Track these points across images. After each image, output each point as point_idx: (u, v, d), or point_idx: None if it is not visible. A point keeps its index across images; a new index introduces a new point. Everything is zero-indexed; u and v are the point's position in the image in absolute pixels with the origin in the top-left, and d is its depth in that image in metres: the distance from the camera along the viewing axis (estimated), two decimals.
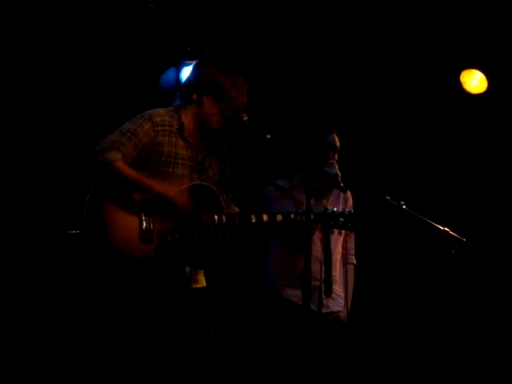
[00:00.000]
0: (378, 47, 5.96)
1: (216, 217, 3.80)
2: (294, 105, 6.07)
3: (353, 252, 4.85)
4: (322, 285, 4.54)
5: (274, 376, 4.52)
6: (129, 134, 3.74)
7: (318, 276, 4.52)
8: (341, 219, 4.16)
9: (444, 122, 6.35)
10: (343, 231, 4.68)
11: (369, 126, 6.36)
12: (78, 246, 3.71)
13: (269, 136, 3.89)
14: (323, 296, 4.53)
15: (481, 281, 6.22)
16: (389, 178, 5.97)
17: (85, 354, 5.23)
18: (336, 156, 4.70)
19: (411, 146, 6.46)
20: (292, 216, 4.06)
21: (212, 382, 3.80)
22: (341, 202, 4.76)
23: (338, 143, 4.71)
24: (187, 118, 3.91)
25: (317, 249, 4.60)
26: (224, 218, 3.82)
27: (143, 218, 3.68)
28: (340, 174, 4.53)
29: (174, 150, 3.84)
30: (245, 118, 3.93)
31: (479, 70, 5.96)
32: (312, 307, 4.42)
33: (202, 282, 3.93)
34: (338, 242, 4.70)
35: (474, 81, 6.01)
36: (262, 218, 3.95)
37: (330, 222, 4.17)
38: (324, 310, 4.53)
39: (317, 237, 4.61)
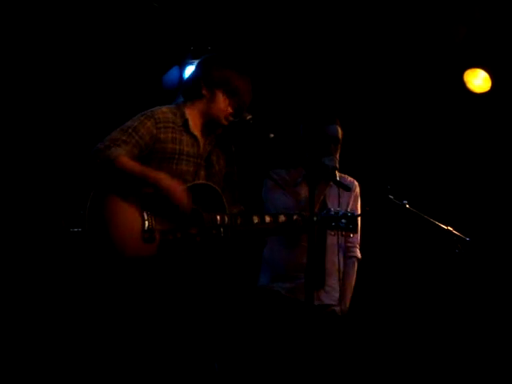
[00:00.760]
0: (382, 46, 5.95)
1: (218, 217, 3.80)
2: (298, 103, 6.07)
3: (356, 245, 4.76)
4: (315, 277, 4.49)
5: (265, 370, 4.49)
6: (130, 131, 3.74)
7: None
8: (343, 221, 4.13)
9: (447, 121, 6.35)
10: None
11: (372, 124, 6.35)
12: (79, 243, 3.71)
13: (272, 135, 3.89)
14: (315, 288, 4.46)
15: (484, 280, 6.21)
16: (392, 177, 5.97)
17: (86, 352, 5.23)
18: (338, 147, 4.64)
19: (414, 145, 6.45)
20: (295, 217, 4.05)
21: (214, 378, 3.80)
22: (337, 199, 4.68)
23: (340, 135, 4.65)
24: (192, 115, 3.92)
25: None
26: (226, 219, 3.82)
27: (146, 218, 3.68)
28: (338, 167, 4.49)
29: (178, 146, 3.84)
30: (248, 117, 3.94)
31: (483, 69, 5.95)
32: (302, 299, 4.35)
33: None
34: (336, 234, 4.65)
35: (478, 80, 6.00)
36: (265, 219, 3.95)
37: (331, 224, 4.15)
38: (316, 303, 4.44)
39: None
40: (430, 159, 6.44)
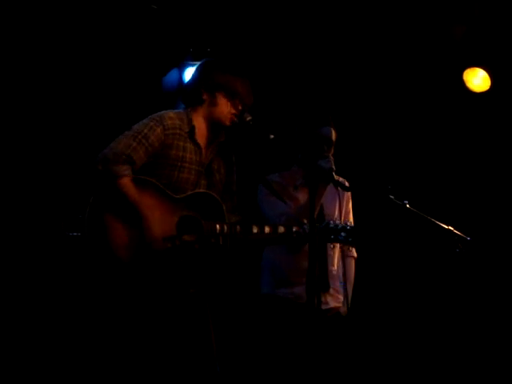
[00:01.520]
0: (380, 45, 5.95)
1: (218, 226, 3.79)
2: (296, 104, 6.07)
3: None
4: (319, 281, 4.48)
5: (276, 375, 4.50)
6: (140, 137, 3.74)
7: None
8: (342, 234, 4.11)
9: (447, 121, 6.35)
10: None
11: (371, 124, 6.35)
12: (78, 248, 3.71)
13: (272, 136, 3.89)
14: (321, 292, 4.49)
15: (485, 279, 6.21)
16: (392, 177, 5.97)
17: (84, 356, 5.23)
18: (331, 150, 4.62)
19: (414, 145, 6.45)
20: (294, 229, 4.02)
21: (216, 381, 3.80)
22: (337, 200, 4.69)
23: (334, 137, 4.62)
24: (198, 121, 3.92)
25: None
26: (225, 228, 3.81)
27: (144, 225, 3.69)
28: (335, 168, 4.48)
29: (181, 153, 3.84)
30: (248, 119, 3.94)
31: (482, 68, 5.96)
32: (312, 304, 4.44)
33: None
34: None
35: (477, 79, 6.00)
36: (264, 229, 3.94)
37: (330, 237, 4.12)
38: (324, 307, 4.47)
39: None
40: (430, 159, 6.44)
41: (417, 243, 6.16)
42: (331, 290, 4.58)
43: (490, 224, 6.22)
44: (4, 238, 5.23)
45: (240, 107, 3.91)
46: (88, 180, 3.72)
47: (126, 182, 3.67)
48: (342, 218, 4.71)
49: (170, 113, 3.89)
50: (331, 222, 4.16)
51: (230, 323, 5.69)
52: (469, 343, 6.14)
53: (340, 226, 4.12)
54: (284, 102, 6.06)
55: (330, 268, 4.56)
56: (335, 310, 4.61)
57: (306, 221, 3.99)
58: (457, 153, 6.41)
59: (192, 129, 3.88)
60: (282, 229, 3.99)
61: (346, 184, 4.76)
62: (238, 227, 3.85)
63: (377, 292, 6.21)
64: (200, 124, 3.92)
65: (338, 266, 4.63)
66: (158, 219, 3.69)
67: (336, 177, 4.56)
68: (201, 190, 3.85)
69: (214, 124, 3.94)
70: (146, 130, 3.76)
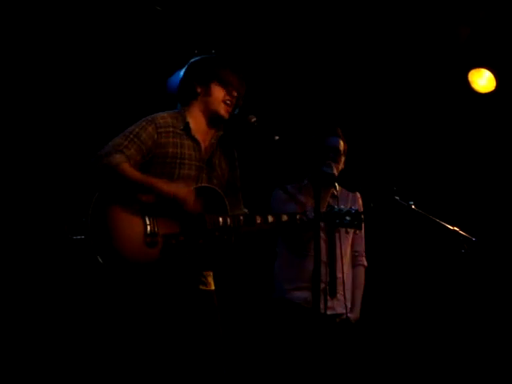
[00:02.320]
0: (386, 47, 5.95)
1: (221, 219, 3.80)
2: (302, 106, 6.07)
3: (363, 253, 4.84)
4: (327, 286, 4.53)
5: (282, 378, 4.51)
6: (131, 137, 3.76)
7: (323, 278, 4.51)
8: (347, 218, 4.16)
9: (452, 122, 6.34)
10: (350, 231, 4.70)
11: (377, 126, 6.35)
12: (82, 250, 3.71)
13: (277, 137, 3.90)
14: (328, 298, 4.53)
15: (490, 280, 6.20)
16: (398, 179, 5.97)
17: (91, 358, 5.23)
18: (340, 159, 4.70)
19: (420, 146, 6.45)
20: (298, 216, 4.07)
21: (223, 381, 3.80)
22: (349, 202, 4.76)
23: (341, 146, 4.71)
24: (192, 117, 3.94)
25: (321, 250, 4.60)
26: (229, 220, 3.82)
27: (148, 222, 3.68)
28: (337, 175, 4.56)
29: (179, 150, 3.85)
30: (253, 120, 3.95)
31: (487, 69, 5.95)
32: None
33: (211, 284, 3.93)
34: (344, 243, 4.68)
35: (482, 80, 5.99)
36: (267, 219, 3.96)
37: (335, 221, 4.18)
38: (329, 312, 4.52)
39: (321, 238, 4.61)
40: (435, 160, 6.43)
41: (422, 244, 6.16)
42: (338, 296, 4.59)
43: (495, 225, 6.21)
44: (8, 242, 5.23)
45: (234, 94, 3.93)
46: (88, 181, 3.73)
47: (127, 167, 3.68)
48: None
49: (163, 113, 3.93)
50: (335, 206, 4.22)
51: (241, 326, 5.71)
52: (475, 343, 6.12)
53: (344, 210, 4.18)
54: (289, 104, 6.06)
55: (338, 275, 4.58)
56: (343, 316, 4.63)
57: (309, 209, 4.05)
58: (462, 153, 6.41)
59: (186, 125, 3.90)
60: (285, 217, 4.03)
61: (358, 195, 4.84)
62: (241, 218, 3.87)
63: (383, 293, 6.21)
64: (197, 119, 3.94)
65: (346, 274, 4.65)
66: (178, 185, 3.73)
67: (344, 189, 4.66)
68: (202, 185, 3.85)
69: (211, 116, 3.95)
70: (137, 129, 3.79)
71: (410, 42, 5.89)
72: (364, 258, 4.84)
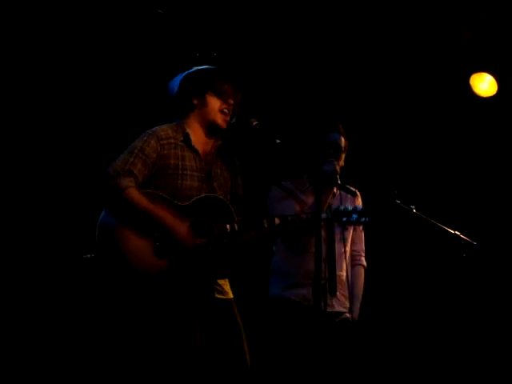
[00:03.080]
0: (388, 51, 5.95)
1: (228, 226, 3.83)
2: (305, 110, 6.07)
3: (362, 253, 4.82)
4: (327, 284, 4.51)
5: (282, 377, 4.50)
6: (136, 152, 3.81)
7: (322, 275, 4.48)
8: (354, 215, 4.17)
9: (454, 126, 6.34)
10: (350, 228, 4.68)
11: (379, 129, 6.35)
12: (94, 268, 3.75)
13: (278, 141, 3.90)
14: (328, 295, 4.49)
15: (492, 284, 6.19)
16: (399, 182, 5.97)
17: (102, 372, 5.22)
18: (340, 155, 4.67)
19: (421, 150, 6.44)
20: (304, 216, 4.10)
21: None
22: (349, 200, 4.73)
23: (342, 143, 4.68)
24: (191, 128, 3.97)
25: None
26: (236, 226, 3.85)
27: (156, 235, 3.73)
28: (339, 172, 4.53)
29: (180, 162, 3.88)
30: (254, 123, 3.95)
31: (489, 73, 5.95)
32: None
33: (228, 293, 3.95)
34: (344, 241, 4.67)
35: (484, 84, 5.99)
36: (274, 222, 3.98)
37: (342, 219, 4.19)
38: (329, 310, 4.46)
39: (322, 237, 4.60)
40: (436, 163, 6.43)
41: (424, 248, 6.15)
42: (338, 295, 4.58)
43: (496, 229, 6.21)
44: (18, 263, 5.25)
45: (230, 102, 3.96)
46: (96, 200, 3.78)
47: (134, 192, 3.72)
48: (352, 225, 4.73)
49: (163, 126, 3.97)
50: (341, 205, 4.24)
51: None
52: (476, 347, 6.12)
53: (351, 208, 4.21)
54: (290, 107, 6.06)
55: (338, 273, 4.57)
56: (343, 315, 4.61)
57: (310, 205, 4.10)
58: (463, 158, 6.41)
59: (186, 136, 3.93)
60: (289, 218, 4.07)
61: (357, 193, 4.79)
62: (248, 224, 3.90)
63: (384, 297, 6.20)
64: (195, 130, 3.97)
65: (346, 272, 4.63)
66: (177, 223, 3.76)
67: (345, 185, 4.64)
68: (205, 194, 3.88)
69: (209, 126, 3.97)
70: (140, 144, 3.84)
71: (411, 45, 5.89)
72: (363, 258, 4.81)
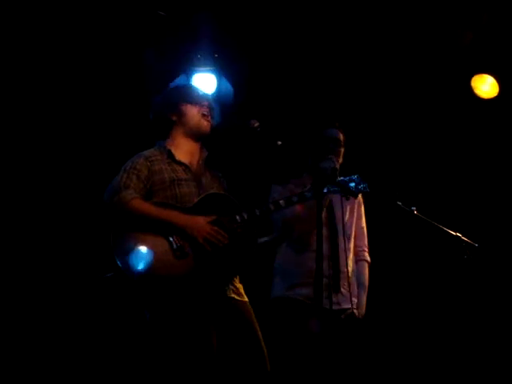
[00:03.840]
0: (389, 53, 5.95)
1: (237, 217, 3.87)
2: (303, 109, 6.08)
3: (365, 249, 4.80)
4: (331, 281, 4.51)
5: (288, 377, 4.50)
6: (128, 169, 3.90)
7: (325, 273, 4.48)
8: (351, 184, 4.17)
9: (455, 127, 6.34)
10: (352, 226, 4.67)
11: (380, 131, 6.35)
12: (117, 285, 3.79)
13: (280, 142, 3.90)
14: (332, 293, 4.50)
15: (493, 286, 6.19)
16: (400, 184, 5.97)
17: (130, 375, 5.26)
18: (340, 150, 4.65)
19: (423, 151, 6.44)
20: (306, 192, 4.12)
21: None
22: (346, 204, 4.72)
23: (341, 137, 4.68)
24: (174, 145, 4.05)
25: (323, 245, 4.59)
26: (245, 215, 3.89)
27: (171, 239, 3.77)
28: (338, 168, 4.51)
29: (173, 174, 3.95)
30: (255, 125, 3.96)
31: (490, 74, 5.95)
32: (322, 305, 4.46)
33: (243, 296, 3.99)
34: (347, 237, 4.65)
35: (485, 86, 5.99)
36: (280, 204, 4.03)
37: (341, 188, 4.16)
38: (334, 307, 4.46)
39: (324, 233, 4.59)
40: (438, 165, 6.43)
41: (425, 249, 6.15)
42: (343, 291, 4.56)
43: (497, 231, 6.21)
44: (39, 285, 5.30)
45: (205, 103, 4.06)
46: (103, 218, 3.84)
47: (138, 202, 3.80)
48: (354, 221, 4.73)
49: (146, 150, 4.04)
50: (339, 178, 4.22)
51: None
52: (477, 348, 6.12)
53: (347, 178, 4.20)
54: (292, 108, 6.06)
55: (342, 269, 4.56)
56: (349, 311, 4.59)
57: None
58: (465, 159, 6.40)
59: (169, 153, 4.00)
60: (295, 198, 4.11)
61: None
62: (256, 210, 3.93)
63: (384, 297, 6.20)
64: (179, 145, 4.04)
65: (351, 268, 4.62)
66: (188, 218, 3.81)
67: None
68: (205, 194, 3.93)
69: (193, 134, 4.06)
70: (130, 163, 3.94)
71: (413, 47, 5.89)
72: (367, 254, 4.79)
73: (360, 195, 4.78)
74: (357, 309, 4.62)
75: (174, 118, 4.05)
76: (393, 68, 6.07)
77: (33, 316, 5.33)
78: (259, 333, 3.90)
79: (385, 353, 6.17)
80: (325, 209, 4.48)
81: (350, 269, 4.61)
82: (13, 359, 5.26)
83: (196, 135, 4.04)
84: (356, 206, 4.79)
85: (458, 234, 4.53)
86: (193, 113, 4.03)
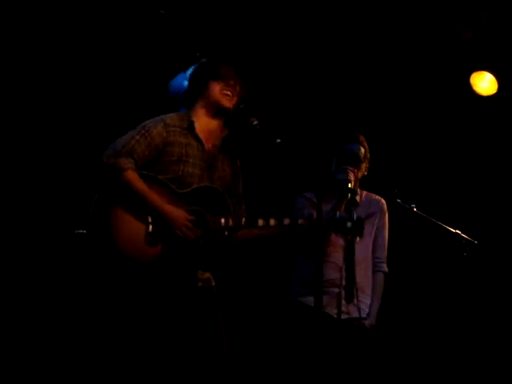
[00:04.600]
0: (387, 50, 5.95)
1: (223, 220, 3.83)
2: (308, 110, 6.09)
3: (383, 259, 4.81)
4: (343, 291, 4.53)
5: (289, 380, 4.52)
6: (143, 131, 3.84)
7: (338, 282, 4.53)
8: (348, 224, 4.15)
9: (454, 124, 6.34)
10: (370, 236, 4.68)
11: (379, 128, 6.35)
12: (84, 245, 3.75)
13: (279, 140, 3.90)
14: (344, 302, 4.53)
15: (493, 283, 6.20)
16: (400, 181, 5.97)
17: (87, 355, 5.22)
18: (360, 166, 4.68)
19: (422, 149, 6.45)
20: (300, 221, 4.04)
21: (225, 380, 3.81)
22: (371, 208, 4.75)
23: (362, 151, 4.70)
24: (197, 116, 4.01)
25: (337, 255, 4.61)
26: (231, 221, 3.85)
27: (150, 221, 3.74)
28: (352, 180, 4.52)
29: (184, 150, 3.90)
30: (255, 123, 3.96)
31: (489, 71, 5.95)
32: (331, 313, 4.52)
33: (210, 280, 3.95)
34: (363, 248, 4.69)
35: (484, 83, 5.99)
36: (269, 222, 3.95)
37: (337, 228, 4.16)
38: (343, 317, 4.52)
39: (339, 244, 4.62)
40: (437, 162, 6.43)
41: (424, 247, 6.15)
42: (356, 301, 4.59)
43: (497, 228, 6.21)
44: (9, 237, 5.25)
45: (231, 82, 4.01)
46: (93, 175, 3.78)
47: (131, 175, 3.73)
48: (374, 230, 4.74)
49: (171, 114, 4.02)
50: (338, 213, 4.21)
51: (249, 328, 5.73)
52: (477, 346, 6.12)
53: (346, 217, 4.16)
54: (290, 106, 6.06)
55: (357, 280, 4.57)
56: (358, 321, 4.63)
57: (314, 214, 3.97)
58: (464, 156, 6.41)
59: (191, 124, 3.96)
60: (287, 221, 3.99)
61: (382, 201, 4.82)
62: (243, 220, 3.89)
63: (385, 296, 6.20)
64: (201, 119, 4.00)
65: (364, 279, 4.65)
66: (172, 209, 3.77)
67: (369, 194, 4.65)
68: (204, 184, 3.90)
69: (214, 110, 4.01)
70: (147, 127, 3.87)
71: (411, 44, 5.89)
72: (384, 264, 4.81)
73: (384, 203, 4.80)
74: (367, 320, 4.65)
75: (199, 91, 4.03)
76: (392, 66, 6.07)
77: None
78: (219, 317, 3.87)
79: (385, 352, 6.17)
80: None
81: (362, 279, 4.63)
82: None
83: (215, 112, 4.00)
84: (378, 215, 4.81)
85: (457, 231, 4.54)
86: (215, 88, 3.99)
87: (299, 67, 5.97)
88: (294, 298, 4.71)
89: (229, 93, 3.99)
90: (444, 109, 6.30)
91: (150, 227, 3.73)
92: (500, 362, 6.06)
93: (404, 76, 6.14)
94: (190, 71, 4.16)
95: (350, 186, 4.52)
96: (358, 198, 4.71)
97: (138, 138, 3.81)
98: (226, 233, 3.84)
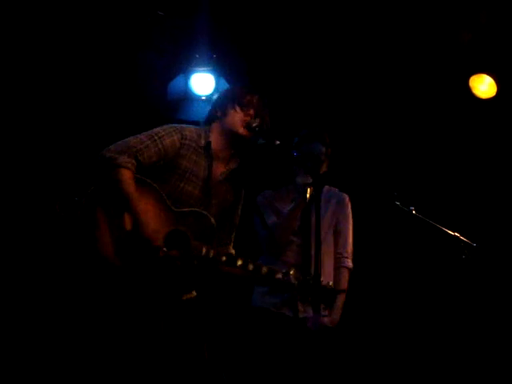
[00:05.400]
0: (387, 53, 5.96)
1: (204, 249, 3.70)
2: (308, 110, 6.09)
3: (347, 255, 4.77)
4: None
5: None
6: (156, 138, 3.77)
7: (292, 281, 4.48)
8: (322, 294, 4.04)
9: (453, 127, 6.35)
10: (330, 234, 4.67)
11: (378, 131, 6.36)
12: (69, 237, 3.70)
13: (278, 142, 3.88)
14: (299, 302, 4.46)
15: (491, 286, 6.20)
16: (398, 184, 5.97)
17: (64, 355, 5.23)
18: (321, 165, 4.66)
19: (421, 151, 6.45)
20: (277, 276, 3.82)
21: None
22: (332, 206, 4.75)
23: (323, 153, 4.67)
24: (214, 137, 3.93)
25: (293, 254, 4.60)
26: (211, 253, 3.73)
27: (127, 228, 3.65)
28: (309, 182, 4.50)
29: (192, 166, 3.84)
30: (254, 125, 3.92)
31: (488, 74, 5.95)
32: (288, 313, 4.52)
33: (191, 293, 3.89)
34: (327, 244, 4.66)
35: (483, 86, 6.00)
36: (248, 267, 3.79)
37: (307, 297, 3.85)
38: (301, 315, 4.50)
39: (295, 243, 4.61)
40: (436, 165, 6.44)
41: (423, 249, 6.16)
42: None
43: (496, 230, 6.21)
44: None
45: (251, 112, 3.90)
46: (91, 165, 3.71)
47: (126, 174, 3.64)
48: (335, 224, 4.73)
49: (191, 127, 3.95)
50: (309, 277, 3.85)
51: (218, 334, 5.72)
52: (475, 349, 6.12)
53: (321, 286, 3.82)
54: (290, 108, 6.06)
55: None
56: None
57: (292, 272, 3.81)
58: (463, 159, 6.41)
59: (208, 144, 3.89)
60: (264, 269, 3.81)
61: (346, 198, 4.80)
62: (223, 257, 3.76)
63: (383, 298, 6.21)
64: (217, 140, 3.93)
65: (326, 276, 4.60)
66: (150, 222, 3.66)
67: (332, 188, 4.65)
68: (199, 210, 3.80)
69: (229, 137, 3.93)
70: (163, 133, 3.80)
71: (411, 47, 5.90)
72: (348, 260, 4.75)
73: (346, 196, 4.79)
74: (327, 316, 4.60)
75: (219, 114, 3.96)
76: (391, 67, 6.08)
77: None
78: (200, 329, 3.82)
79: (378, 352, 6.18)
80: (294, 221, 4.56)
81: (324, 277, 4.57)
82: None
83: (230, 139, 3.92)
84: (339, 206, 4.80)
85: (456, 234, 4.53)
86: (234, 115, 3.90)
87: (299, 67, 5.98)
88: (253, 299, 4.70)
89: (248, 125, 3.88)
90: (443, 111, 6.30)
91: (129, 233, 3.63)
92: (499, 363, 6.06)
93: (403, 78, 6.15)
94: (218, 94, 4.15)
95: (307, 196, 4.50)
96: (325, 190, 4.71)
97: (148, 142, 3.73)
98: (204, 262, 3.74)
